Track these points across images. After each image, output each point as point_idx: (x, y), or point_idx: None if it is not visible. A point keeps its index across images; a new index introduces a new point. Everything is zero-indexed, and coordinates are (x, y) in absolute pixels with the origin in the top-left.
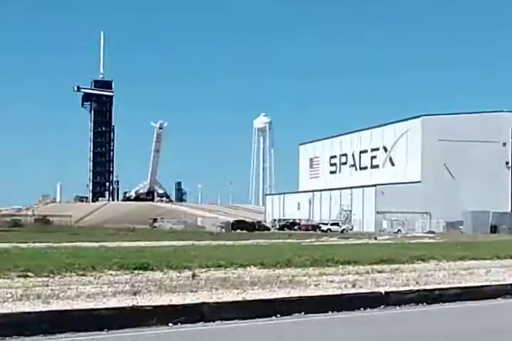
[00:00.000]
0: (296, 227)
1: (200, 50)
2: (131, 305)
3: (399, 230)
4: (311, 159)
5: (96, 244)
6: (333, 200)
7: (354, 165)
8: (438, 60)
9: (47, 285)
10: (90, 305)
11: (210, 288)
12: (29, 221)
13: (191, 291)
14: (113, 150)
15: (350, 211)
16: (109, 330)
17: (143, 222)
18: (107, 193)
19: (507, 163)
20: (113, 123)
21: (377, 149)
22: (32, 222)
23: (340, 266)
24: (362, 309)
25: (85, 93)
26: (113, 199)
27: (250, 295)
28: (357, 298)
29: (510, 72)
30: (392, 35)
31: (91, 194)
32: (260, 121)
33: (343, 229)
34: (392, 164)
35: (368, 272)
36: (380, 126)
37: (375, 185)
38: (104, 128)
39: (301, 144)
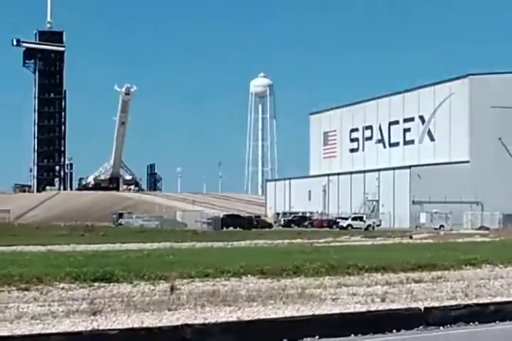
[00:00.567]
0: (306, 223)
1: None
2: (89, 328)
3: (441, 226)
4: (325, 133)
5: (42, 248)
6: (355, 187)
7: (382, 140)
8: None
9: None
10: (36, 329)
11: (195, 305)
12: None
13: (169, 310)
14: (65, 123)
15: (377, 201)
16: None
17: (104, 217)
18: (57, 181)
19: None
20: (64, 88)
21: (411, 119)
22: None
23: (366, 275)
24: (394, 331)
25: (28, 48)
26: (65, 189)
27: (247, 314)
28: (387, 316)
29: None
30: None
31: (35, 181)
32: (258, 84)
33: (368, 225)
34: (432, 139)
35: (401, 282)
36: (414, 89)
37: (409, 167)
38: (52, 95)
39: (312, 114)
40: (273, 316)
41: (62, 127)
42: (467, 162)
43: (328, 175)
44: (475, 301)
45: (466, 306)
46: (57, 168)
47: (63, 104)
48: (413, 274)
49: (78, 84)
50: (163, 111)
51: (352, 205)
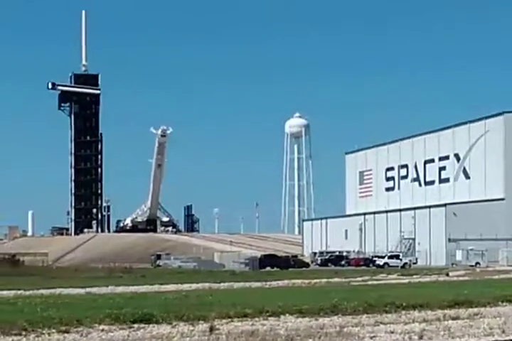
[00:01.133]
0: (343, 262)
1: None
2: None
3: (477, 263)
4: (361, 173)
5: (81, 290)
6: (391, 225)
7: (417, 179)
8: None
9: None
10: None
11: None
12: None
13: None
14: (101, 166)
15: (414, 239)
16: None
17: (143, 259)
18: (94, 223)
19: None
20: (100, 131)
21: (446, 158)
22: None
23: (403, 312)
24: None
25: (63, 91)
26: (102, 231)
27: None
28: None
29: None
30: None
31: (73, 224)
32: (294, 124)
33: (405, 264)
34: (467, 177)
35: (438, 319)
36: (449, 127)
37: (445, 205)
38: (88, 138)
39: (348, 153)
40: None
41: (99, 170)
42: (502, 199)
43: (365, 214)
44: None
45: None
46: (94, 210)
47: (99, 146)
48: (450, 311)
49: (114, 127)
50: (199, 151)
51: (388, 244)
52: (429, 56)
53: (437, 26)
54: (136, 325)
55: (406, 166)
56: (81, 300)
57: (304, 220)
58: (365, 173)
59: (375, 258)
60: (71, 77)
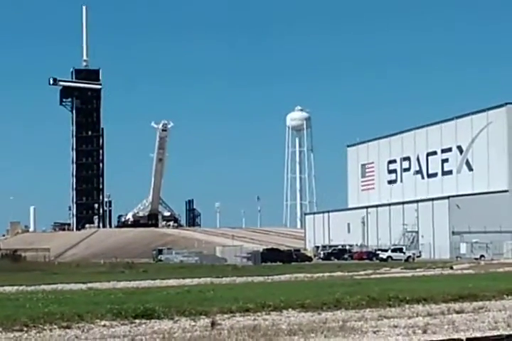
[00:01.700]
0: (346, 256)
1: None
2: None
3: (482, 256)
4: (363, 165)
5: (83, 286)
6: (394, 219)
7: (420, 171)
8: None
9: None
10: None
11: (236, 340)
12: None
13: None
14: (103, 161)
15: (417, 232)
16: None
17: (144, 254)
18: (96, 218)
19: None
20: (102, 126)
21: (449, 150)
22: None
23: (407, 306)
24: None
25: (64, 86)
26: (104, 226)
27: None
28: None
29: None
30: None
31: (75, 220)
32: (295, 117)
33: (408, 257)
34: (470, 169)
35: (443, 313)
36: (452, 119)
37: (448, 197)
38: (90, 133)
39: (350, 146)
40: None
41: (100, 165)
42: (506, 191)
43: (367, 207)
44: None
45: (508, 336)
46: (96, 205)
47: (101, 141)
48: (454, 305)
49: (115, 121)
50: (200, 146)
51: (391, 237)
52: (432, 49)
53: (437, 20)
54: (137, 321)
55: (408, 159)
56: (82, 296)
57: (306, 214)
58: (367, 166)
59: (378, 252)
60: (72, 72)
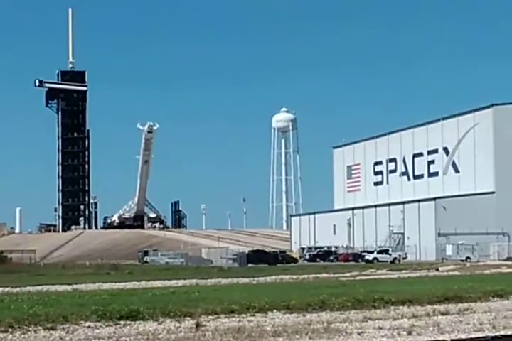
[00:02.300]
0: (332, 257)
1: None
2: None
3: (468, 257)
4: (348, 167)
5: (68, 287)
6: (380, 220)
7: (406, 173)
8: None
9: None
10: None
11: None
12: None
13: None
14: (88, 162)
15: (403, 234)
16: None
17: (130, 255)
18: (81, 220)
19: None
20: (87, 127)
21: (435, 151)
22: None
23: (392, 308)
24: None
25: (50, 88)
26: (90, 228)
27: None
28: None
29: None
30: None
31: (61, 221)
32: (281, 119)
33: (394, 258)
34: (456, 170)
35: (428, 314)
36: (438, 120)
37: (434, 199)
38: (76, 134)
39: (336, 147)
40: None
41: (86, 166)
42: (492, 193)
43: (353, 208)
44: (502, 333)
45: (493, 338)
46: (81, 207)
47: (87, 143)
48: (440, 306)
49: (101, 123)
50: (186, 148)
51: (377, 238)
52: (418, 50)
53: (423, 21)
54: (122, 322)
55: (394, 160)
56: (68, 297)
57: (291, 215)
58: (353, 167)
59: (364, 253)
60: (58, 74)
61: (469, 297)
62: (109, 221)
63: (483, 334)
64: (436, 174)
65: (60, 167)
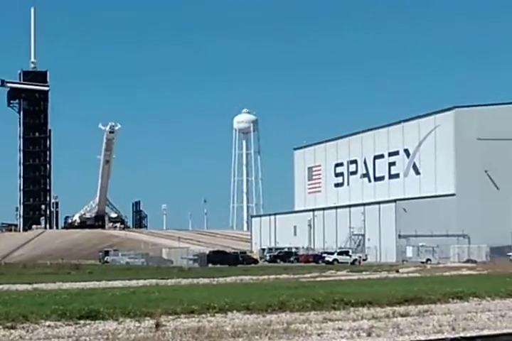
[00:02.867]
0: (292, 258)
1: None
2: None
3: (428, 259)
4: (309, 168)
5: (29, 287)
6: (341, 222)
7: (367, 174)
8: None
9: None
10: None
11: None
12: None
13: None
14: (50, 162)
15: (363, 235)
16: None
17: (91, 255)
18: (42, 219)
19: None
20: (49, 127)
21: (396, 153)
22: None
23: (352, 309)
24: None
25: (12, 88)
26: (51, 227)
27: None
28: None
29: None
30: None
31: (22, 220)
32: (242, 120)
33: (355, 260)
34: (417, 172)
35: (388, 316)
36: (399, 122)
37: (394, 201)
38: (37, 134)
39: (297, 149)
40: None
41: (48, 166)
42: (453, 195)
43: (314, 210)
44: (462, 334)
45: (452, 340)
46: (43, 206)
47: (48, 143)
48: (399, 308)
49: (63, 123)
50: (147, 148)
51: (338, 240)
52: (380, 51)
53: (383, 22)
54: (82, 321)
55: (355, 162)
56: (28, 296)
57: (252, 216)
58: (314, 169)
59: (324, 255)
60: (20, 74)
61: (429, 299)
62: (70, 221)
63: (443, 336)
64: (397, 176)
65: (22, 167)
